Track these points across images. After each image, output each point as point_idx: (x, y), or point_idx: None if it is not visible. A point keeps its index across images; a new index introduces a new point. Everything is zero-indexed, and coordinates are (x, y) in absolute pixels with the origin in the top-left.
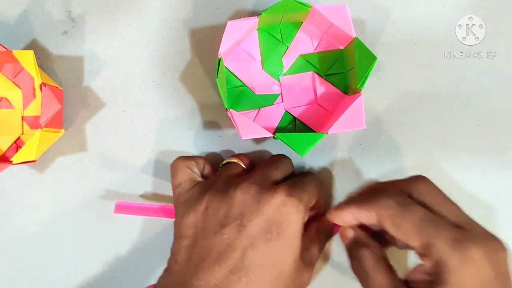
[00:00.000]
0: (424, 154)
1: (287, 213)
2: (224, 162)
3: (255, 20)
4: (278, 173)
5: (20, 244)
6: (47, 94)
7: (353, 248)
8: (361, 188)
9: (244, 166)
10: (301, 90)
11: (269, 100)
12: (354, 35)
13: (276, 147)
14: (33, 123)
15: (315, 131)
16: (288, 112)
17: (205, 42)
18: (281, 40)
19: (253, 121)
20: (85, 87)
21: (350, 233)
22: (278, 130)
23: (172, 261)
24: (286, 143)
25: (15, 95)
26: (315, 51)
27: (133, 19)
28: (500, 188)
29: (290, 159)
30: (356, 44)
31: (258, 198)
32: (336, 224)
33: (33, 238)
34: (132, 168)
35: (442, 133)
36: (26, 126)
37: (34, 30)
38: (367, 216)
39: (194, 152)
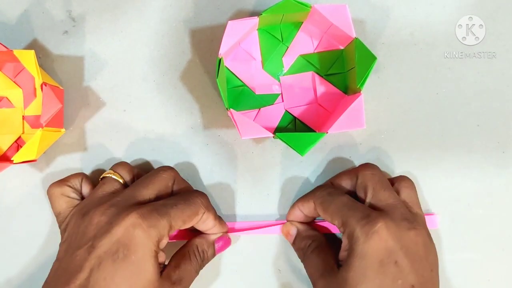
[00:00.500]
0: (424, 153)
1: (134, 236)
2: (101, 176)
3: (255, 20)
4: (148, 192)
5: (20, 243)
6: (47, 93)
7: (298, 241)
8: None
9: (121, 181)
10: (301, 90)
11: (269, 100)
12: (354, 35)
13: (276, 147)
14: (34, 122)
15: (315, 131)
16: (288, 112)
17: (205, 42)
18: (281, 40)
19: (253, 120)
20: (85, 87)
21: (293, 230)
22: (278, 129)
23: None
24: (286, 143)
25: (16, 95)
26: (315, 51)
27: (133, 19)
28: (499, 187)
29: (173, 171)
30: (356, 44)
31: (111, 220)
32: (224, 243)
33: (33, 237)
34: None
35: (441, 132)
36: (26, 125)
37: (35, 30)
38: (308, 206)
39: (195, 151)
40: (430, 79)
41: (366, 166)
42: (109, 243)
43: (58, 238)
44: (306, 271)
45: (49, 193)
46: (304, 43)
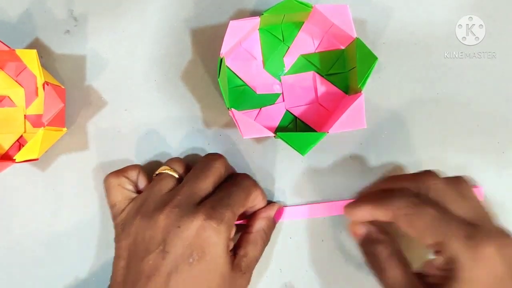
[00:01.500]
0: (424, 153)
1: (207, 237)
2: (156, 172)
3: (256, 20)
4: (206, 185)
5: (22, 242)
6: (49, 92)
7: (366, 245)
8: (371, 184)
9: (177, 176)
10: (302, 89)
11: (270, 99)
12: (355, 35)
13: (277, 147)
14: (36, 121)
15: (316, 131)
16: (289, 112)
17: (206, 42)
18: (282, 40)
19: (254, 120)
20: (87, 86)
21: (362, 230)
22: (279, 129)
23: (112, 279)
24: (287, 143)
25: (17, 94)
26: (316, 51)
27: (135, 19)
28: (499, 187)
29: (223, 159)
30: (357, 44)
31: (179, 223)
32: (279, 213)
33: (34, 236)
34: None
35: (442, 132)
36: (28, 124)
37: (36, 29)
38: (384, 214)
39: (196, 150)
40: (430, 79)
41: (426, 175)
42: (182, 247)
43: (59, 236)
44: (382, 284)
45: (106, 183)
46: (305, 43)
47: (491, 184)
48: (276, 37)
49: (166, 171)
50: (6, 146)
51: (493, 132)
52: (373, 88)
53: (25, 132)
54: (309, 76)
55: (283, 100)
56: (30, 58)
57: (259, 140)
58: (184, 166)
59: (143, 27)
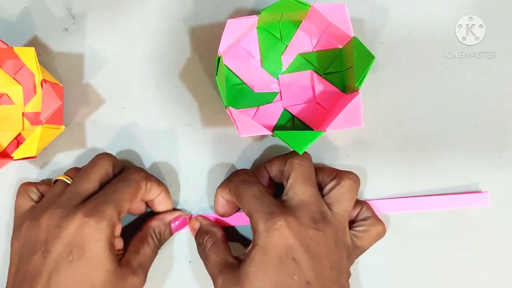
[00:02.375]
0: (421, 152)
1: (86, 234)
2: (53, 180)
3: (254, 18)
4: (90, 184)
5: None
6: (47, 90)
7: (198, 236)
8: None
9: (70, 181)
10: (300, 88)
11: (268, 98)
12: (352, 34)
13: (274, 145)
14: (34, 119)
15: (313, 129)
16: (287, 110)
17: (204, 40)
18: (280, 38)
19: (252, 118)
20: (85, 84)
21: (196, 225)
22: (276, 127)
23: None
24: (284, 141)
25: (16, 92)
26: (314, 50)
27: (133, 17)
28: (496, 187)
29: (109, 157)
30: (355, 43)
31: (59, 223)
32: (181, 223)
33: None
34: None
35: (439, 131)
36: (26, 122)
37: (35, 27)
38: (226, 193)
39: (193, 149)
40: (428, 78)
41: (296, 154)
42: (62, 246)
43: None
44: (206, 269)
45: (18, 189)
46: (303, 41)
47: (488, 183)
48: (274, 36)
49: (60, 177)
50: (4, 143)
51: (490, 131)
52: (370, 87)
53: (23, 129)
54: (306, 75)
55: (281, 99)
56: (28, 56)
57: (256, 138)
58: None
59: (142, 25)
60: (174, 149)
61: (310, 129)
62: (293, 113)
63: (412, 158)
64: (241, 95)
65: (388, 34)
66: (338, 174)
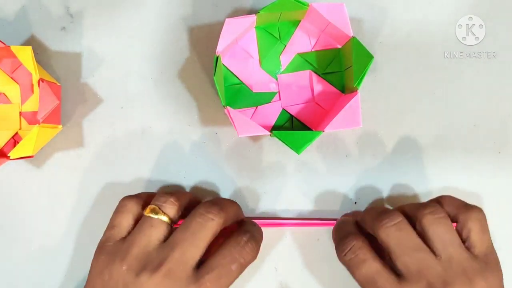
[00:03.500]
0: (420, 153)
1: None
2: (145, 214)
3: (253, 18)
4: (198, 251)
5: (17, 239)
6: (45, 89)
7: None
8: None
9: (169, 221)
10: (299, 88)
11: (266, 98)
12: (351, 34)
13: (273, 145)
14: (31, 118)
15: (312, 129)
16: (285, 110)
17: (203, 40)
18: (279, 38)
19: (251, 118)
20: (83, 83)
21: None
22: (275, 128)
23: None
24: (282, 141)
25: (13, 91)
26: (312, 50)
27: (131, 16)
28: (495, 188)
29: (221, 217)
30: (353, 43)
31: None
32: None
33: (29, 233)
34: (129, 165)
35: (438, 132)
36: (24, 121)
37: (32, 26)
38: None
39: (192, 149)
40: (427, 78)
41: (436, 210)
42: None
43: (55, 234)
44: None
45: (121, 203)
46: (302, 41)
47: (487, 184)
48: (273, 36)
49: (158, 216)
50: (1, 143)
51: (489, 132)
52: (369, 87)
53: (20, 129)
54: (305, 75)
55: (279, 99)
56: (25, 54)
57: (255, 138)
58: (179, 206)
59: (140, 24)
60: (173, 149)
61: (308, 129)
62: (291, 113)
63: (411, 159)
64: (239, 95)
65: (387, 34)
66: (460, 216)
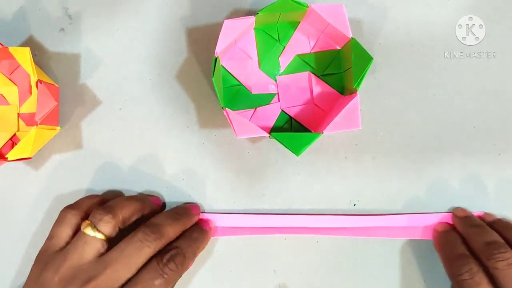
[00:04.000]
0: (420, 154)
1: None
2: (82, 229)
3: (252, 19)
4: (129, 272)
5: (15, 241)
6: (43, 91)
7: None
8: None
9: (105, 238)
10: (298, 89)
11: (265, 99)
12: (350, 35)
13: (272, 147)
14: (29, 120)
15: (311, 131)
16: (284, 112)
17: (201, 41)
18: (278, 39)
19: (249, 120)
20: (81, 85)
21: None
22: (274, 129)
23: None
24: (281, 143)
25: (11, 92)
26: (311, 51)
27: (130, 17)
28: (495, 189)
29: (159, 242)
30: (353, 44)
31: None
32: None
33: (28, 235)
34: (128, 166)
35: (438, 134)
36: (22, 123)
37: (31, 27)
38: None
39: (190, 150)
40: (427, 80)
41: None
42: None
43: None
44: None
45: (61, 214)
46: (301, 43)
47: (487, 185)
48: (272, 37)
49: (94, 233)
50: None
51: (489, 133)
52: (368, 89)
53: (18, 130)
54: (304, 76)
55: (279, 100)
56: (23, 56)
57: (254, 140)
58: (116, 223)
59: (138, 25)
60: (171, 150)
61: (307, 131)
62: (290, 114)
63: (411, 161)
64: (238, 97)
65: (386, 35)
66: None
